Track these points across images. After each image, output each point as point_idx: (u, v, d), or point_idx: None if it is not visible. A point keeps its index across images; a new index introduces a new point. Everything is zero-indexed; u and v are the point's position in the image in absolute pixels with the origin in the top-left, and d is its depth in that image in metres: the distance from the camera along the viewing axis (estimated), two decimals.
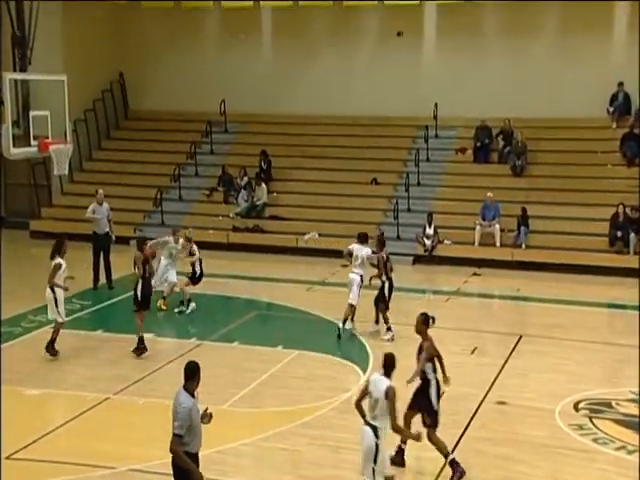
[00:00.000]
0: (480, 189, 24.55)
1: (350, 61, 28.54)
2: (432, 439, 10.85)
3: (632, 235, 22.52)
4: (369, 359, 15.63)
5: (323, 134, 28.08)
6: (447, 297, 20.23)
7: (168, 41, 30.00)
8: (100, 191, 20.79)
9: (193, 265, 18.49)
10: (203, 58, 29.72)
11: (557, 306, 19.71)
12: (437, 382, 11.00)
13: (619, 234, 22.67)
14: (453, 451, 11.12)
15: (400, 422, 9.96)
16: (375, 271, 16.79)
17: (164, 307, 18.53)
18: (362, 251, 16.86)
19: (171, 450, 8.49)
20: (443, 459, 10.98)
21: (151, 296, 15.87)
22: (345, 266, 21.92)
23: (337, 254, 23.21)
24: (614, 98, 25.98)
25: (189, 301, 18.49)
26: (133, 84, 30.60)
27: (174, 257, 18.70)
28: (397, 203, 24.84)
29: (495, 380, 14.56)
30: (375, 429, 9.50)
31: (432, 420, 10.91)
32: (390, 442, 10.00)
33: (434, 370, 11.00)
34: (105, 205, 20.62)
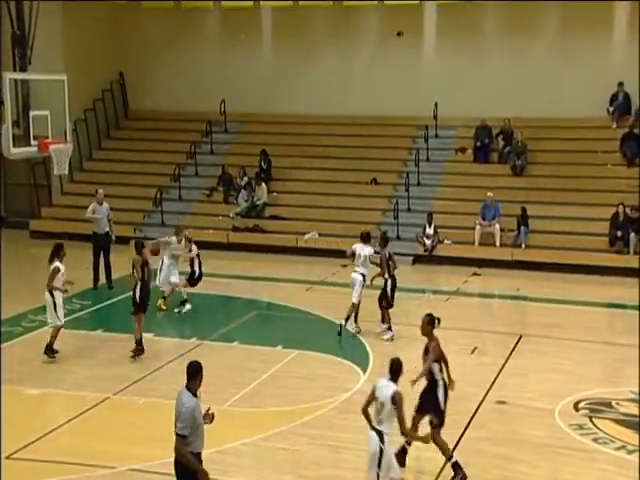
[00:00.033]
0: (480, 189, 24.55)
1: (350, 61, 28.54)
2: (436, 440, 10.84)
3: (632, 235, 22.52)
4: (369, 359, 15.64)
5: (323, 134, 28.07)
6: (447, 297, 20.23)
7: (168, 41, 30.00)
8: (100, 191, 20.79)
9: (192, 265, 18.46)
10: (203, 58, 29.72)
11: (557, 306, 19.71)
12: (444, 382, 10.98)
13: (619, 234, 22.67)
14: (453, 451, 11.11)
15: (409, 426, 9.95)
16: (378, 270, 16.79)
17: (164, 307, 18.53)
18: (364, 250, 16.87)
19: (176, 451, 8.47)
20: (443, 459, 10.97)
21: (149, 299, 15.83)
22: (345, 266, 21.94)
23: (337, 254, 23.30)
24: (614, 98, 25.98)
25: (185, 302, 18.46)
26: (133, 84, 30.60)
27: (176, 257, 18.70)
28: (397, 203, 24.84)
29: (495, 380, 14.57)
30: (380, 434, 9.47)
31: (439, 420, 10.91)
32: (396, 441, 9.97)
33: (441, 370, 10.98)
34: (105, 205, 20.62)
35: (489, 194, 23.96)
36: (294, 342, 16.41)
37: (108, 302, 19.33)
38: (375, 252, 17.01)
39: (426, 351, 11.04)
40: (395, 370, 9.60)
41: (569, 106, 25.79)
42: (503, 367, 15.25)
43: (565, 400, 13.59)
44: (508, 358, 15.78)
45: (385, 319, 16.78)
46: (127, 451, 11.62)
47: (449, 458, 10.87)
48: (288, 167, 27.42)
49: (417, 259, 23.67)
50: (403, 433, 9.66)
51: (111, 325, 17.71)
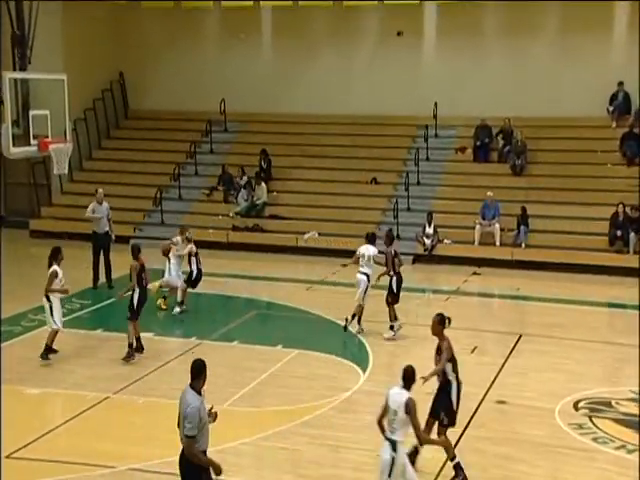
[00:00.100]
0: (480, 188, 24.55)
1: (350, 61, 28.54)
2: (442, 439, 10.84)
3: (632, 234, 22.52)
4: (369, 359, 15.64)
5: (323, 133, 28.08)
6: (447, 296, 20.23)
7: (168, 41, 30.00)
8: (100, 190, 20.79)
9: (190, 264, 18.39)
10: (203, 58, 29.72)
11: (557, 305, 19.71)
12: (458, 382, 10.96)
13: (619, 233, 22.67)
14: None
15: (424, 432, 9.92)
16: (383, 269, 16.80)
17: (164, 307, 18.52)
18: (368, 251, 16.88)
19: (187, 452, 8.44)
20: (443, 459, 10.96)
21: (145, 304, 15.77)
22: (345, 265, 21.96)
23: (337, 253, 23.36)
24: (614, 97, 25.98)
25: (180, 303, 18.40)
26: (133, 83, 30.60)
27: (181, 257, 18.66)
28: (397, 202, 24.84)
29: (495, 379, 14.56)
30: (394, 443, 9.42)
31: (450, 420, 10.90)
32: (408, 441, 9.96)
33: (454, 370, 10.97)
34: (105, 204, 20.62)
35: (489, 193, 23.97)
36: (294, 342, 16.40)
37: (108, 302, 19.30)
38: (379, 252, 17.01)
39: (438, 351, 11.00)
40: (408, 378, 9.55)
41: (569, 106, 25.80)
42: (503, 366, 15.25)
43: (565, 400, 13.59)
44: (508, 357, 15.78)
45: (391, 316, 16.75)
46: (127, 450, 11.61)
47: (452, 458, 10.86)
48: (288, 167, 27.43)
49: (417, 258, 23.66)
50: (419, 438, 9.62)
51: (111, 325, 17.68)
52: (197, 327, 17.67)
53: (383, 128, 27.48)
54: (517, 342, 16.69)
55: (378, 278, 16.88)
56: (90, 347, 16.28)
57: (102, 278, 20.52)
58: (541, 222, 23.81)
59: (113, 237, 20.73)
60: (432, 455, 11.03)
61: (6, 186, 29.13)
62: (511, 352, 16.10)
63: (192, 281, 18.44)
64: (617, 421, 12.89)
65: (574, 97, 25.74)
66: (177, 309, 18.33)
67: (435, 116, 26.89)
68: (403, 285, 16.92)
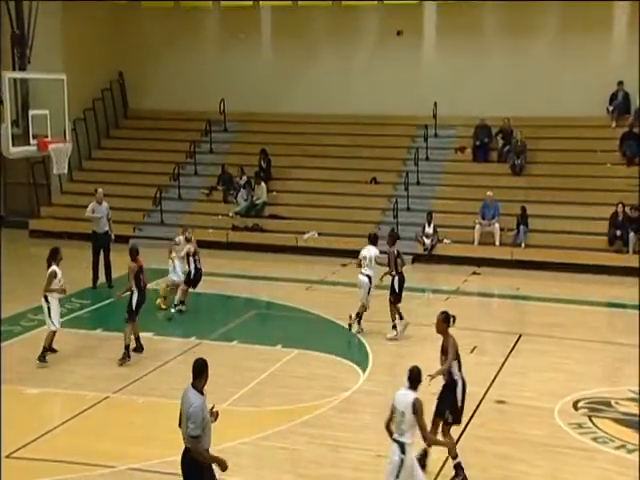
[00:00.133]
0: (479, 188, 24.55)
1: (349, 60, 28.54)
2: (446, 437, 10.85)
3: (631, 234, 22.53)
4: (369, 358, 15.63)
5: (322, 133, 28.07)
6: (447, 296, 20.22)
7: (167, 40, 30.00)
8: (100, 190, 20.78)
9: (188, 263, 18.36)
10: (202, 57, 29.72)
11: (556, 305, 19.70)
12: (463, 380, 10.96)
13: (618, 233, 22.68)
14: None
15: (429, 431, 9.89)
16: (386, 269, 16.79)
17: (164, 306, 18.51)
18: (370, 252, 16.87)
19: (193, 452, 8.44)
20: (443, 458, 10.97)
21: (143, 305, 15.74)
22: (344, 265, 21.99)
23: (337, 253, 23.37)
24: (613, 97, 25.99)
25: (181, 303, 18.39)
26: (133, 83, 30.60)
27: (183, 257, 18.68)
28: (396, 202, 24.84)
29: (494, 379, 14.56)
30: (402, 445, 9.37)
31: (454, 418, 10.90)
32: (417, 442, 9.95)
33: (460, 368, 10.96)
34: (105, 204, 20.61)
35: (489, 193, 23.97)
36: (293, 341, 16.40)
37: (107, 301, 19.29)
38: (381, 252, 17.00)
39: (443, 350, 11.00)
40: (414, 378, 9.52)
41: (568, 105, 25.80)
42: (502, 366, 15.25)
43: (564, 399, 13.59)
44: (508, 357, 15.78)
45: (392, 315, 16.73)
46: (126, 450, 11.61)
47: (454, 457, 10.85)
48: (288, 166, 27.43)
49: (417, 258, 23.65)
50: (425, 439, 9.59)
51: (110, 324, 17.64)
52: (197, 327, 17.66)
53: (383, 128, 27.47)
54: (517, 342, 16.69)
55: (381, 278, 16.88)
56: (90, 347, 16.28)
57: (102, 278, 20.52)
58: (541, 222, 23.81)
59: (113, 237, 20.73)
60: (437, 456, 11.02)
61: (6, 186, 29.13)
62: (511, 352, 16.10)
63: (191, 281, 18.41)
64: (617, 421, 12.89)
65: (574, 97, 25.73)
66: (172, 310, 18.25)
67: (435, 116, 26.89)
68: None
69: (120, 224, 22.91)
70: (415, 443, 9.60)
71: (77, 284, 19.29)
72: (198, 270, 18.35)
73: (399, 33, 27.96)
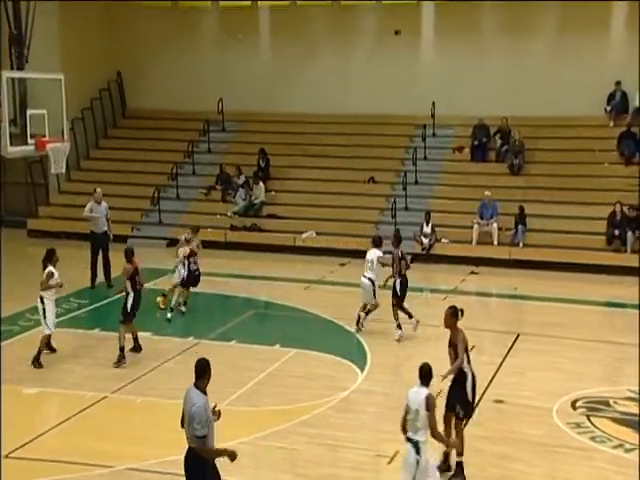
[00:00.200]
0: (478, 188, 24.55)
1: (348, 60, 28.53)
2: (458, 433, 10.87)
3: (629, 233, 22.54)
4: (367, 358, 15.62)
5: (321, 133, 28.06)
6: (445, 296, 20.20)
7: (166, 40, 29.95)
8: (98, 190, 20.77)
9: (184, 265, 18.22)
10: (201, 57, 29.70)
11: (555, 304, 19.70)
12: (472, 373, 10.95)
13: (616, 232, 22.68)
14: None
15: (440, 429, 9.87)
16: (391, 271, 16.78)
17: (162, 306, 18.48)
18: (373, 254, 16.84)
19: (200, 453, 8.43)
20: (443, 456, 10.97)
21: (139, 307, 15.70)
22: (343, 265, 21.99)
23: (335, 253, 23.38)
24: (611, 97, 26.00)
25: (180, 304, 18.35)
26: (131, 83, 30.58)
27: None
28: (395, 202, 24.84)
29: (493, 378, 14.55)
30: (417, 445, 9.36)
31: (465, 412, 10.90)
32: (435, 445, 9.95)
33: (469, 362, 10.95)
34: (103, 204, 20.60)
35: (487, 193, 23.98)
36: (292, 341, 16.39)
37: (105, 301, 19.31)
38: (384, 252, 16.96)
39: (451, 344, 10.98)
40: (425, 375, 9.51)
41: (567, 105, 25.80)
42: (501, 366, 15.25)
43: (563, 399, 13.59)
44: (506, 357, 15.78)
45: (395, 315, 16.70)
46: (125, 450, 11.60)
47: (458, 454, 10.84)
48: (286, 166, 27.41)
49: (415, 258, 23.57)
50: (433, 436, 9.57)
51: (108, 324, 17.61)
52: (195, 327, 17.66)
53: (381, 127, 27.46)
54: (515, 341, 16.69)
55: (386, 281, 16.81)
56: (88, 347, 16.27)
57: (100, 278, 20.51)
58: (539, 221, 23.81)
59: (111, 236, 20.72)
60: (438, 452, 11.02)
61: (3, 185, 29.09)
62: (509, 351, 16.10)
63: (187, 282, 18.24)
64: (615, 420, 12.89)
65: (572, 96, 25.73)
66: (169, 314, 17.99)
67: (433, 115, 26.89)
68: None
69: (118, 224, 22.90)
70: (429, 441, 9.57)
71: (75, 284, 19.27)
72: (191, 272, 18.06)
73: (397, 33, 27.96)
